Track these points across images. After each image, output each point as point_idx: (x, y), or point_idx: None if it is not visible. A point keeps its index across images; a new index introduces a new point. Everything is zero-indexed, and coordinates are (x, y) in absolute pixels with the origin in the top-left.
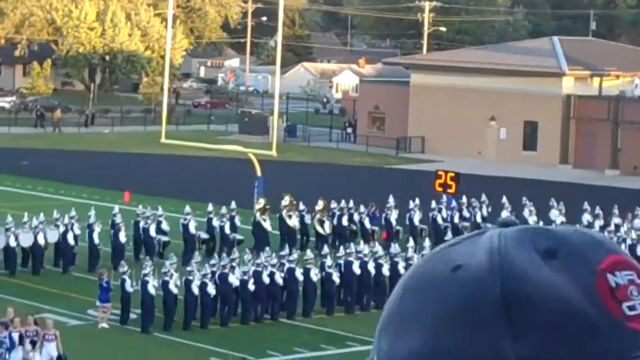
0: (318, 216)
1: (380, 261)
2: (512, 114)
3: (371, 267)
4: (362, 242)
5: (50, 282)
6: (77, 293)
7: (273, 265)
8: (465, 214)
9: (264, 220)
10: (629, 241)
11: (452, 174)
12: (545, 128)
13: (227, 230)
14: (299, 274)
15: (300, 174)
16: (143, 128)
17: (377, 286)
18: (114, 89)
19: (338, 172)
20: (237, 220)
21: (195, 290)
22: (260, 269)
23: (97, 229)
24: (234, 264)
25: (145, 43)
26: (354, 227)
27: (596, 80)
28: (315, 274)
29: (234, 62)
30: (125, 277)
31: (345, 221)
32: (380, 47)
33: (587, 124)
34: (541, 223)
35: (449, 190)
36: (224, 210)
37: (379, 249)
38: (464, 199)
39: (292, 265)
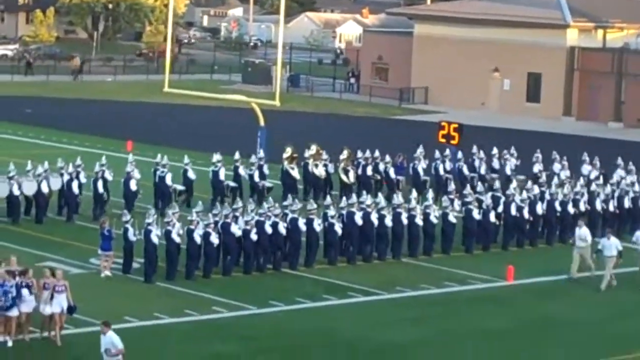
0: (343, 165)
1: (383, 212)
2: (516, 65)
3: (374, 217)
4: (379, 193)
5: (53, 230)
6: (80, 242)
7: (276, 215)
8: (475, 165)
9: (292, 168)
10: (631, 194)
11: (455, 125)
12: (548, 80)
13: (256, 178)
14: (301, 224)
15: (303, 124)
16: (145, 77)
17: (379, 237)
18: (117, 38)
19: (341, 122)
20: (265, 169)
21: (198, 239)
22: (263, 219)
23: (109, 177)
24: (236, 213)
25: None
26: (378, 177)
27: (600, 32)
28: (318, 224)
29: (237, 11)
30: (128, 225)
31: (369, 171)
32: None
33: (591, 76)
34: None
35: (452, 142)
36: (253, 159)
37: (381, 199)
38: (475, 150)
39: (295, 216)
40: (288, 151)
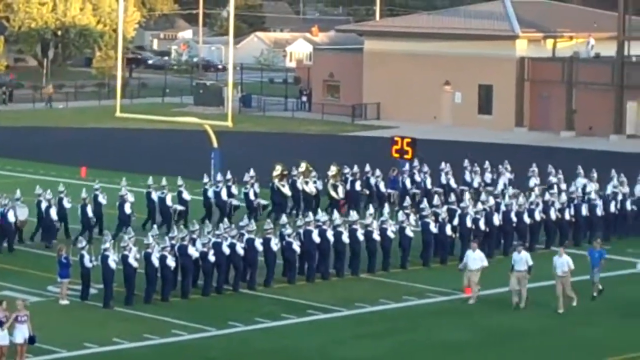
0: (332, 181)
1: (340, 229)
2: (467, 78)
3: (330, 235)
4: (370, 206)
5: (8, 259)
6: (36, 269)
7: (233, 236)
8: (417, 178)
9: (283, 185)
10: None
11: (409, 140)
12: (500, 91)
13: (252, 196)
14: (258, 244)
15: (256, 144)
16: (97, 102)
17: (337, 254)
18: (67, 64)
19: (294, 141)
20: (256, 187)
21: (155, 262)
22: (220, 240)
23: (67, 204)
24: (193, 235)
25: (97, 17)
26: (367, 192)
27: (550, 42)
28: (275, 244)
29: (186, 33)
30: (84, 252)
31: (358, 186)
32: (333, 14)
33: (542, 86)
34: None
35: (406, 156)
36: (246, 177)
37: (337, 216)
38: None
39: (252, 236)
40: (278, 169)
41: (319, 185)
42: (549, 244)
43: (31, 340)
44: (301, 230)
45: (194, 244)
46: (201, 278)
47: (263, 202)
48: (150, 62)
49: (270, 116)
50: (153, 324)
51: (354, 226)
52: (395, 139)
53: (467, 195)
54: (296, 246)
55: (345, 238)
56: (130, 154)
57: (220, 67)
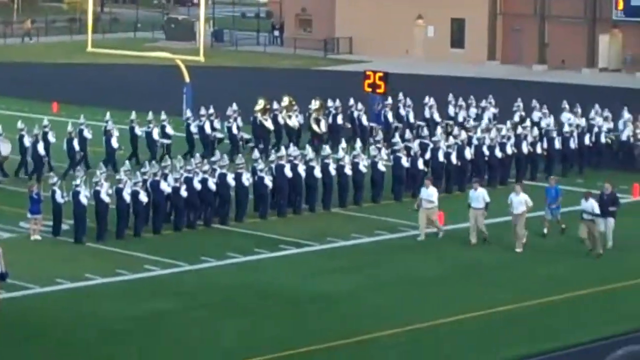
0: (314, 115)
1: (312, 164)
2: (439, 11)
3: (301, 169)
4: (358, 140)
5: None
6: (9, 205)
7: (205, 172)
8: (402, 112)
9: (265, 119)
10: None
11: (381, 74)
12: (472, 25)
13: (235, 130)
14: (230, 179)
15: (228, 79)
16: (69, 37)
17: (309, 189)
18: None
19: (267, 75)
20: (239, 121)
21: (127, 198)
22: (191, 175)
23: (52, 138)
24: (165, 171)
25: None
26: (349, 125)
27: None
28: (247, 179)
29: None
30: (55, 188)
31: (340, 120)
32: None
33: (514, 19)
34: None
35: (378, 90)
36: (229, 112)
37: (309, 151)
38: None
39: (224, 171)
40: (260, 103)
41: (301, 119)
42: (520, 178)
43: (2, 276)
44: (273, 165)
45: (166, 180)
46: (173, 213)
47: (246, 135)
48: None
49: (242, 51)
50: (125, 260)
51: (326, 160)
52: (368, 73)
53: (439, 130)
54: (268, 181)
55: (318, 173)
56: (102, 89)
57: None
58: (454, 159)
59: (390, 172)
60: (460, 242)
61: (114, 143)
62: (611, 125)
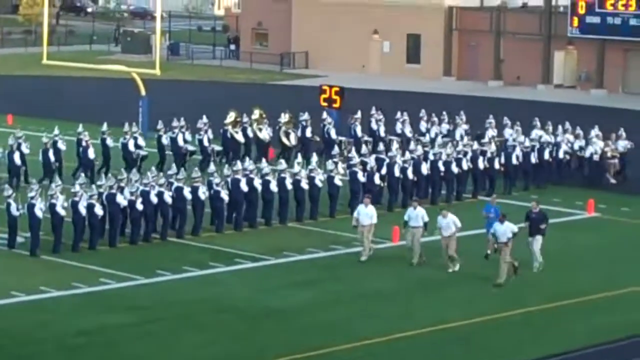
0: (284, 128)
1: (268, 177)
2: (395, 27)
3: (257, 183)
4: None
5: None
6: None
7: (161, 185)
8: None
9: (237, 132)
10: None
11: (337, 89)
12: (428, 40)
13: (206, 142)
14: (187, 192)
15: (184, 93)
16: (24, 50)
17: (265, 203)
18: None
19: (223, 89)
20: (209, 133)
21: (83, 211)
22: (148, 188)
23: (25, 149)
24: (122, 184)
25: None
26: (317, 138)
27: None
28: (203, 192)
29: None
30: (10, 200)
31: (308, 133)
32: None
33: (470, 35)
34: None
35: (334, 105)
36: (199, 124)
37: (265, 165)
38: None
39: (180, 184)
40: (232, 115)
41: (271, 132)
42: (476, 193)
43: None
44: (229, 179)
45: (122, 193)
46: (129, 227)
47: (217, 147)
48: (89, 10)
49: (198, 64)
50: (80, 273)
51: (282, 175)
52: (324, 87)
53: (395, 145)
54: (224, 195)
55: (274, 187)
56: (58, 102)
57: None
58: (410, 174)
59: (347, 187)
60: (428, 256)
61: (91, 154)
62: (582, 142)
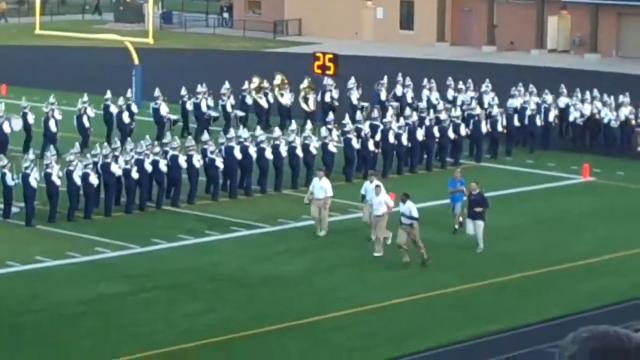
0: (302, 93)
1: (262, 145)
2: None
3: (252, 151)
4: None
5: None
6: None
7: (156, 154)
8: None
9: (260, 97)
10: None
11: (330, 56)
12: (421, 6)
13: (229, 108)
14: (182, 160)
15: (178, 61)
16: (17, 20)
17: (260, 170)
18: None
19: (216, 57)
20: (232, 99)
21: (78, 180)
22: (142, 157)
23: (58, 116)
24: (116, 152)
25: None
26: (336, 103)
27: None
28: (198, 160)
29: None
30: (5, 170)
31: (328, 97)
32: None
33: (463, 0)
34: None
35: (328, 72)
36: (199, 89)
37: (260, 132)
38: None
39: (175, 153)
40: (255, 81)
41: (292, 97)
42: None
43: None
44: (223, 147)
45: (116, 162)
46: (124, 195)
47: (240, 113)
48: None
49: (191, 33)
50: (76, 242)
51: (277, 142)
52: (317, 54)
53: (390, 111)
54: (219, 163)
55: (268, 154)
56: (51, 72)
57: None
58: (404, 140)
59: (342, 154)
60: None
61: (86, 122)
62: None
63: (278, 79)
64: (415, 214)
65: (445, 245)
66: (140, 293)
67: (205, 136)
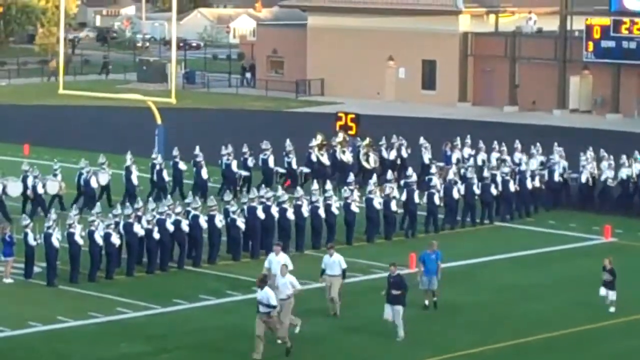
0: (364, 151)
1: (284, 205)
2: (410, 53)
3: (274, 211)
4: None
5: None
6: None
7: (177, 213)
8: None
9: (322, 155)
10: (528, 174)
11: (352, 115)
12: (443, 66)
13: (294, 165)
14: (203, 221)
15: (200, 121)
16: (40, 79)
17: (281, 230)
18: (9, 41)
19: (239, 117)
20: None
21: (99, 241)
22: (164, 217)
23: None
24: (138, 213)
25: None
26: (399, 161)
27: (492, 17)
28: (220, 221)
29: (129, 9)
30: (28, 230)
31: (392, 155)
32: None
33: (485, 61)
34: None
35: (350, 132)
36: (264, 145)
37: (282, 192)
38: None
39: (197, 213)
40: (318, 138)
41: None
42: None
43: None
44: (245, 207)
45: (139, 222)
46: (145, 255)
47: (306, 170)
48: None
49: (214, 92)
50: (97, 302)
51: (299, 202)
52: (339, 114)
53: (410, 171)
54: (240, 223)
55: (290, 214)
56: (74, 131)
57: (194, 44)
58: (437, 199)
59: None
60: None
61: (134, 180)
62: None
63: (340, 137)
64: (274, 302)
65: (473, 304)
66: (162, 354)
67: (228, 196)
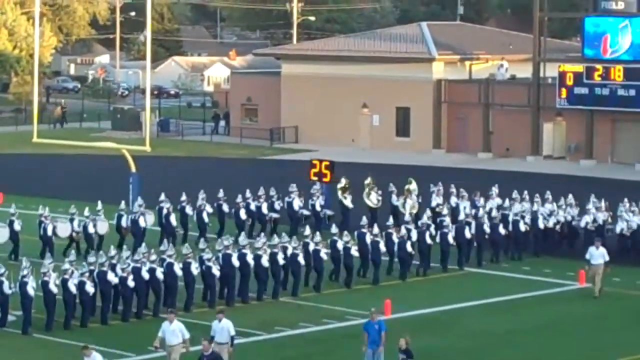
0: (367, 190)
1: (259, 252)
2: (384, 100)
3: (250, 258)
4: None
5: None
6: None
7: (152, 261)
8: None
9: (345, 198)
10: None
11: (327, 163)
12: (417, 113)
13: (318, 207)
14: (178, 268)
15: (175, 169)
16: (14, 128)
17: (257, 277)
18: None
19: (213, 165)
20: (321, 199)
21: (73, 289)
22: (139, 265)
23: (17, 227)
24: (113, 261)
25: (13, 42)
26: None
27: (466, 64)
28: (195, 268)
29: (104, 58)
30: (3, 278)
31: (394, 199)
32: (250, 38)
33: (459, 108)
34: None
35: (324, 179)
36: (313, 190)
37: (259, 240)
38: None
39: (171, 260)
40: (342, 182)
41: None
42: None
43: None
44: (220, 255)
45: (113, 270)
46: (121, 303)
47: (329, 212)
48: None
49: (188, 140)
50: (72, 350)
51: (274, 250)
52: (314, 162)
53: (427, 213)
54: (216, 270)
55: (265, 261)
56: (49, 180)
57: (172, 92)
58: (450, 239)
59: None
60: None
61: (142, 222)
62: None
63: (368, 180)
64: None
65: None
66: None
67: (202, 244)
